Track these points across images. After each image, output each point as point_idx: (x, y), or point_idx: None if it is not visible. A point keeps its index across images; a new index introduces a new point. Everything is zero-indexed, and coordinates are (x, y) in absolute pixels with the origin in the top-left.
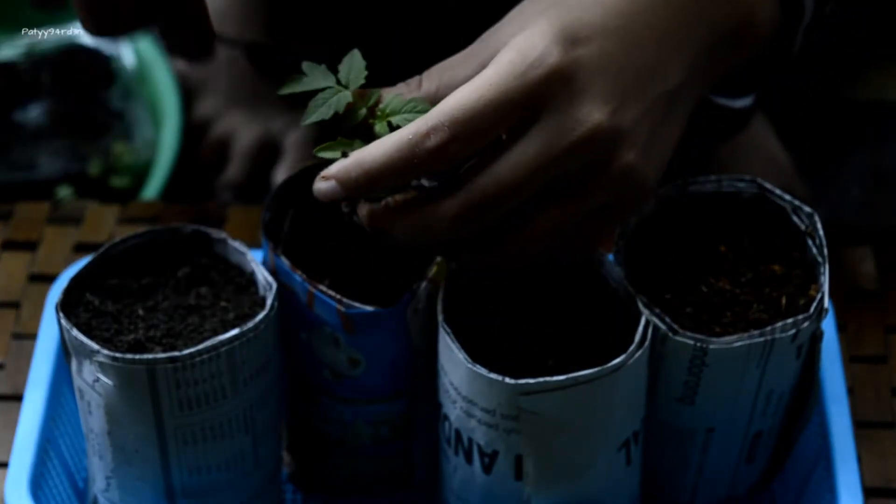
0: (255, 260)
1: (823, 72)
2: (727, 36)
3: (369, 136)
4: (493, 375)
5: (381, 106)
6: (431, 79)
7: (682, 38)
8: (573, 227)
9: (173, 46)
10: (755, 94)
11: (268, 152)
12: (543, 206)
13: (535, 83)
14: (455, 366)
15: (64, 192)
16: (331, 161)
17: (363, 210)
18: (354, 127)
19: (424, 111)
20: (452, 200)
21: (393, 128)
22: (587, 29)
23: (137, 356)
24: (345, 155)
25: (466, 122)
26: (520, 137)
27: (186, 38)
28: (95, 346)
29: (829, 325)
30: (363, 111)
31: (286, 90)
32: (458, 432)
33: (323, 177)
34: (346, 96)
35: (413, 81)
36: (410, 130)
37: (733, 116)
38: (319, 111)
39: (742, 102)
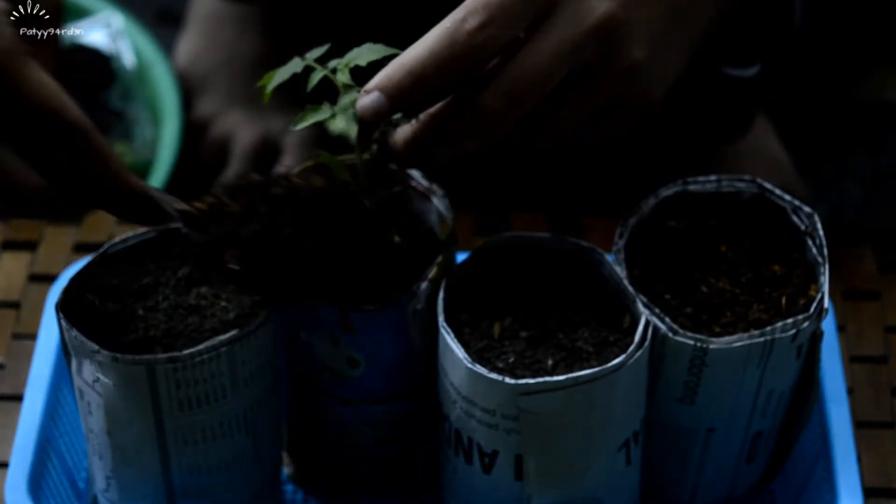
0: None
1: (823, 70)
2: None
3: (335, 96)
4: (493, 375)
5: (341, 61)
6: None
7: None
8: (588, 120)
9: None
10: (762, 65)
11: (267, 152)
12: (562, 100)
13: None
14: (455, 366)
15: None
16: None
17: (399, 134)
18: (321, 91)
19: (386, 52)
20: (487, 95)
21: (355, 77)
22: None
23: (137, 356)
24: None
25: (500, 4)
26: (539, 28)
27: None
28: (95, 346)
29: (829, 325)
30: (322, 72)
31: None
32: (458, 432)
33: (365, 91)
34: (301, 62)
35: None
36: (448, 20)
37: (742, 89)
38: (278, 75)
39: (749, 72)
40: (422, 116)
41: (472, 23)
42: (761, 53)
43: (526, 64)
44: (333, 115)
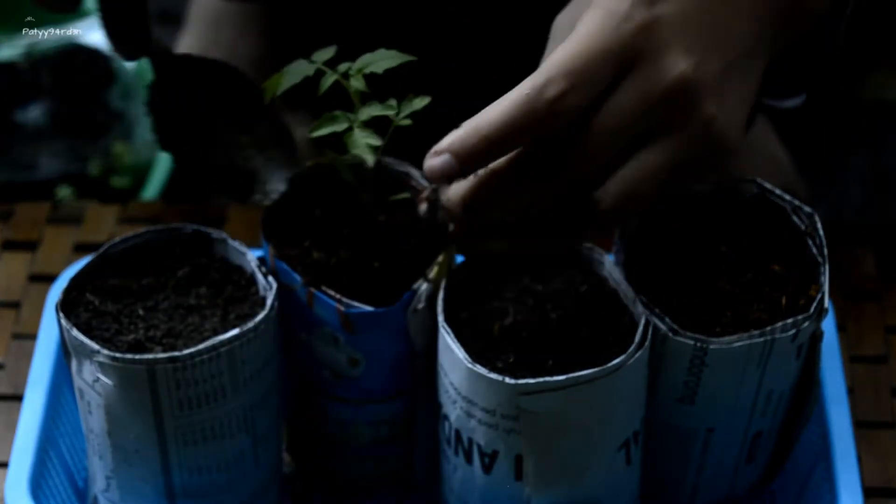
0: (255, 260)
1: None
2: (786, 9)
3: (347, 102)
4: (493, 375)
5: (354, 65)
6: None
7: (751, 7)
8: (661, 175)
9: (111, 37)
10: (804, 95)
11: None
12: (634, 155)
13: (627, 36)
14: (455, 366)
15: (64, 192)
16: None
17: (454, 191)
18: (332, 95)
19: (401, 59)
20: (560, 157)
21: (368, 86)
22: None
23: (137, 356)
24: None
25: (580, 72)
26: (615, 90)
27: (123, 31)
28: (95, 346)
29: (829, 325)
30: (334, 76)
31: (281, 85)
32: (458, 432)
33: (435, 152)
34: (310, 66)
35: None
36: (526, 86)
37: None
38: (289, 78)
39: (792, 103)
40: (480, 172)
41: (552, 91)
42: (803, 85)
43: (599, 127)
44: (350, 128)
